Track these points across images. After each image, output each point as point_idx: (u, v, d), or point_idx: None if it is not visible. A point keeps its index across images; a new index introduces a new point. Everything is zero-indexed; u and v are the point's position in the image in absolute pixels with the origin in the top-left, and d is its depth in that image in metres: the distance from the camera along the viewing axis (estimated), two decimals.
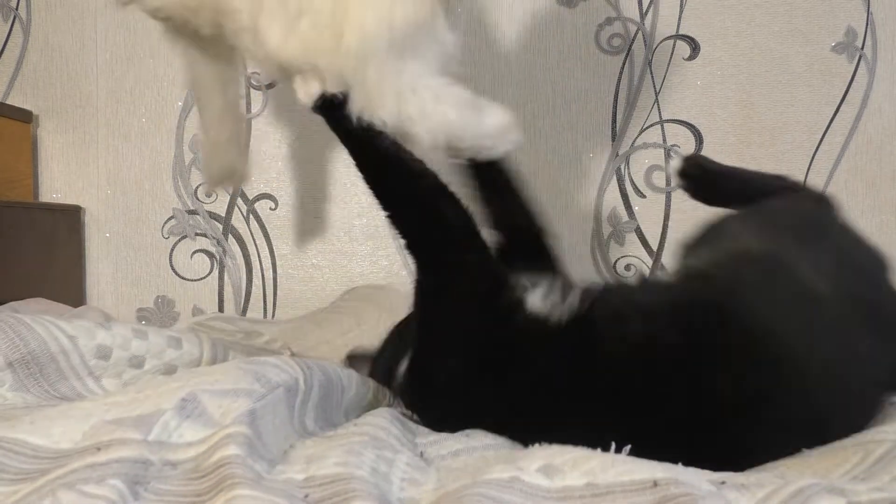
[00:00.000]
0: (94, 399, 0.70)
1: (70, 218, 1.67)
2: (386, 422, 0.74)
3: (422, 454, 0.72)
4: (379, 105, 0.87)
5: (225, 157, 1.18)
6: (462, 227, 0.84)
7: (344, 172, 1.72)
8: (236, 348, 1.07)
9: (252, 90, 1.70)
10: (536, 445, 0.65)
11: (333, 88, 0.87)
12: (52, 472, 0.56)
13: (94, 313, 1.51)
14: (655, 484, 0.55)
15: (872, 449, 0.67)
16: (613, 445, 0.64)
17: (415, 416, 0.83)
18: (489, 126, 0.93)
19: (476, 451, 0.73)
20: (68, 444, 0.61)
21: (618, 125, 1.75)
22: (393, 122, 0.87)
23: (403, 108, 0.86)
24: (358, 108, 0.86)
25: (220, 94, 1.13)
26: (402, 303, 0.97)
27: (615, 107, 1.75)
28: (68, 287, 1.62)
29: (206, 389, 0.67)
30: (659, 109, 1.75)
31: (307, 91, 0.89)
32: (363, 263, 1.74)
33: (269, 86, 1.70)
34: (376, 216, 1.73)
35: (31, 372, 0.86)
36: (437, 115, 0.87)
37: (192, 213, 1.72)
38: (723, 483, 0.59)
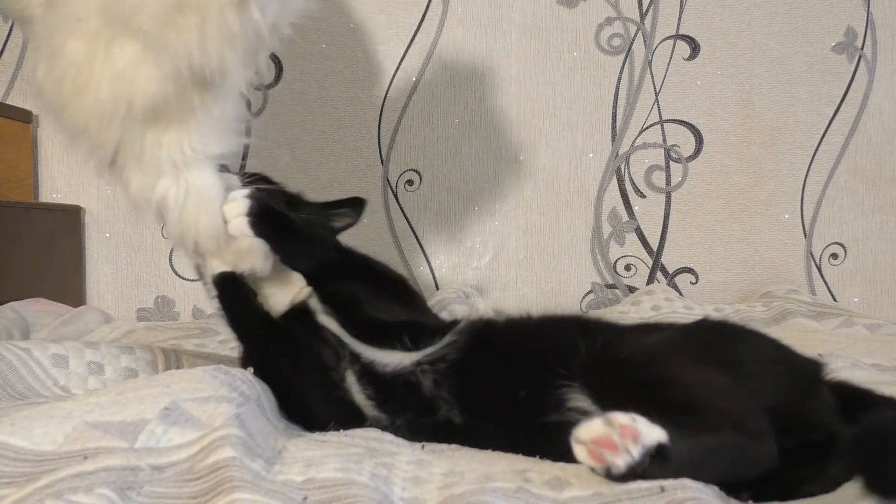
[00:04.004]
0: (75, 399, 0.70)
1: (70, 218, 1.66)
2: (377, 433, 0.74)
3: (423, 447, 0.73)
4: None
5: None
6: None
7: (340, 174, 1.72)
8: (188, 354, 1.07)
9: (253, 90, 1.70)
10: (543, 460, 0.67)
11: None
12: (40, 479, 0.56)
13: (93, 313, 1.51)
14: (662, 489, 0.56)
15: None
16: None
17: None
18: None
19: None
20: (50, 445, 0.61)
21: (618, 125, 1.75)
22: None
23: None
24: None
25: None
26: None
27: (615, 107, 1.75)
28: (68, 287, 1.62)
29: (188, 398, 0.67)
30: (659, 109, 1.75)
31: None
32: None
33: (269, 86, 1.70)
34: (367, 219, 1.73)
35: None
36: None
37: None
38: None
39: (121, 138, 0.83)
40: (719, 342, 0.76)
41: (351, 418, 0.80)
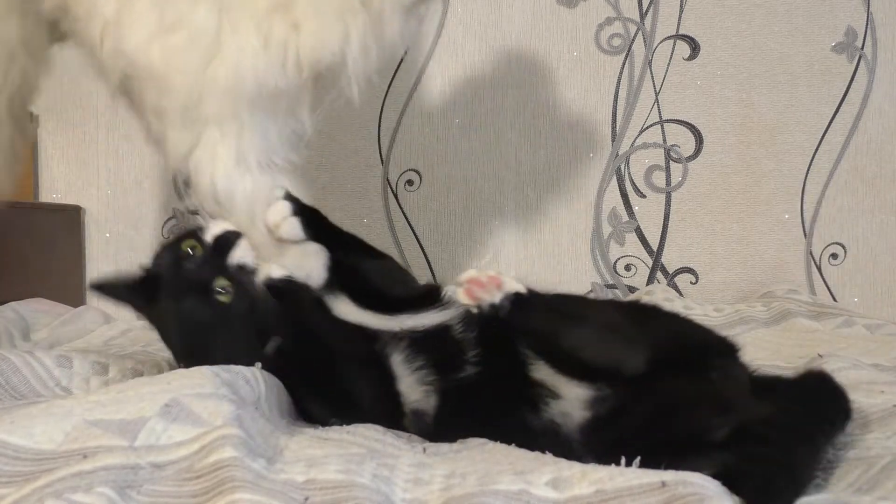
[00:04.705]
0: (75, 397, 0.69)
1: (70, 218, 1.66)
2: (379, 433, 0.74)
3: (424, 450, 0.72)
4: (202, 151, 0.83)
5: None
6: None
7: (340, 175, 1.72)
8: None
9: None
10: (545, 457, 0.67)
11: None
12: (39, 478, 0.56)
13: (93, 314, 1.51)
14: (664, 484, 0.56)
15: (874, 462, 0.67)
16: (623, 460, 0.64)
17: None
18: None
19: (474, 448, 0.73)
20: (49, 444, 0.61)
21: (618, 125, 1.75)
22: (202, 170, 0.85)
23: (224, 170, 0.84)
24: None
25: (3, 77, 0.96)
26: None
27: (615, 107, 1.75)
28: (68, 287, 1.62)
29: (189, 394, 0.67)
30: (659, 109, 1.75)
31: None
32: None
33: None
34: (367, 219, 1.73)
35: None
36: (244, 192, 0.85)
37: (194, 213, 1.72)
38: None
39: (219, 118, 0.82)
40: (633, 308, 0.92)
41: (395, 413, 0.79)
